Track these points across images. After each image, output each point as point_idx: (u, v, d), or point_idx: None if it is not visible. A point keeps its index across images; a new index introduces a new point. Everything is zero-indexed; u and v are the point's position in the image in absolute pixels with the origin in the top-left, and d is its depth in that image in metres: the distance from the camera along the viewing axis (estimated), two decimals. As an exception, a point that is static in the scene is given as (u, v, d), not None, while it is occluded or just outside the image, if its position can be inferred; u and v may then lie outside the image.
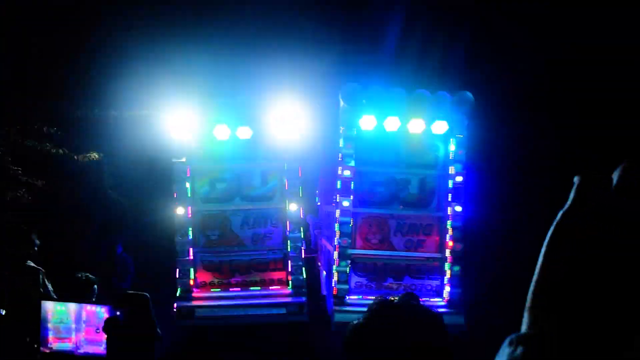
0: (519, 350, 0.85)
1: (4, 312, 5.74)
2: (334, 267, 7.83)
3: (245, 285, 8.05)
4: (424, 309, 1.64)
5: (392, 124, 7.75)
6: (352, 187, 7.85)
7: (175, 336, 8.20)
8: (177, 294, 7.86)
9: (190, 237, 7.94)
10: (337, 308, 7.70)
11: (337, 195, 7.83)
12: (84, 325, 5.11)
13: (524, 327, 0.92)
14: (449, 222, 7.92)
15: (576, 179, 0.94)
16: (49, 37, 9.80)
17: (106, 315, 4.97)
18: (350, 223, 7.85)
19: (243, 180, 8.10)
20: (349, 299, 7.83)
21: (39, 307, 5.16)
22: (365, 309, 1.66)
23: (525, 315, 0.93)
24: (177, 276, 7.91)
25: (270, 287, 8.05)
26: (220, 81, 9.27)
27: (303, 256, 8.07)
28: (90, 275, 5.77)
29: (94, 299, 5.70)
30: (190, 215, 7.95)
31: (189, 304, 7.77)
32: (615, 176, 0.90)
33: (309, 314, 7.82)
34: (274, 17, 11.95)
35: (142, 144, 9.57)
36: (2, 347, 5.56)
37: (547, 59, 10.97)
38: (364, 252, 8.00)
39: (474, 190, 8.50)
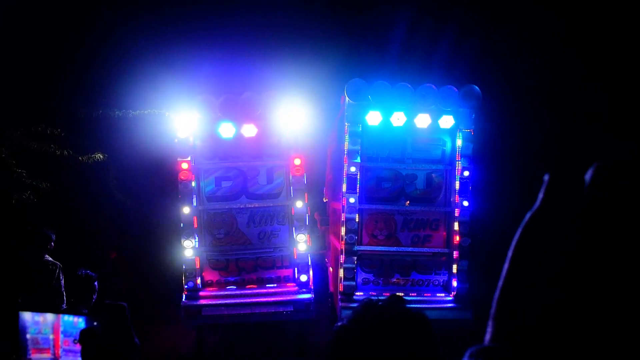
0: None
1: None
2: (340, 263, 7.79)
3: (251, 284, 8.03)
4: (409, 309, 1.62)
5: (398, 119, 7.70)
6: (358, 183, 7.81)
7: (182, 335, 8.20)
8: (184, 293, 7.84)
9: (196, 236, 7.92)
10: (344, 305, 7.66)
11: (343, 191, 7.79)
12: (62, 336, 5.06)
13: (487, 338, 0.87)
14: (456, 217, 7.86)
15: (546, 178, 0.88)
16: (51, 38, 9.80)
17: (84, 326, 4.92)
18: (356, 219, 7.81)
19: (249, 178, 8.07)
20: (356, 295, 7.79)
21: (17, 318, 5.11)
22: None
23: (489, 324, 0.88)
24: (184, 275, 7.89)
25: (277, 285, 8.02)
26: (225, 79, 9.24)
27: (310, 253, 8.04)
28: (90, 272, 5.75)
29: (95, 296, 5.68)
30: (195, 215, 7.92)
31: (195, 303, 7.74)
32: (588, 176, 0.83)
33: (316, 312, 7.79)
34: (278, 14, 11.91)
35: (146, 143, 9.56)
36: None
37: (554, 52, 10.89)
38: (371, 248, 7.96)
39: (481, 185, 8.44)
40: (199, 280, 7.91)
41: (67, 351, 5.05)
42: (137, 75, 9.51)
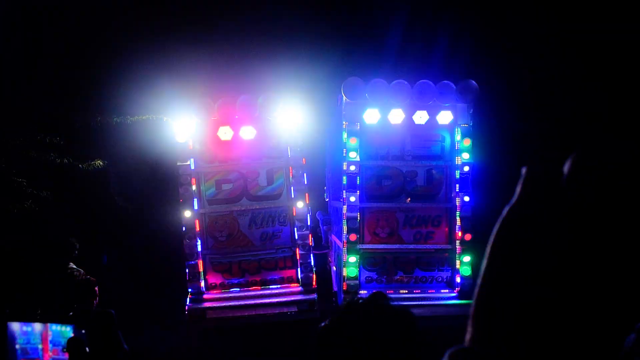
0: None
1: None
2: (343, 262, 7.80)
3: (255, 285, 8.04)
4: (391, 305, 1.62)
5: (396, 116, 7.72)
6: (358, 182, 7.81)
7: (187, 339, 8.20)
8: (188, 297, 7.85)
9: (198, 239, 7.93)
10: (348, 304, 7.65)
11: (344, 190, 7.80)
12: (51, 345, 5.05)
13: (467, 338, 0.86)
14: (457, 213, 7.87)
15: (523, 171, 0.86)
16: (49, 46, 9.81)
17: (71, 335, 4.91)
18: (357, 218, 7.81)
19: (249, 180, 8.09)
20: (359, 294, 7.80)
21: (4, 329, 5.09)
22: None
23: (469, 324, 0.87)
24: (187, 279, 7.90)
25: (281, 286, 8.04)
26: (222, 82, 9.24)
27: (312, 253, 8.05)
28: (90, 278, 5.78)
29: (96, 301, 5.70)
30: (197, 218, 7.93)
31: (200, 306, 7.75)
32: (565, 168, 0.82)
33: (320, 311, 7.79)
34: (273, 16, 11.91)
35: (146, 148, 9.56)
36: None
37: (552, 47, 10.89)
38: (373, 246, 7.97)
39: (482, 180, 8.44)
40: (202, 283, 7.93)
41: None
42: (134, 81, 9.50)
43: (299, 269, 7.99)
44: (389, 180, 8.02)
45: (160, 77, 9.19)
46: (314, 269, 7.99)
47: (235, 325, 7.80)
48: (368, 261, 8.00)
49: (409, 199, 8.03)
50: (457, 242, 7.88)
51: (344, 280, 7.80)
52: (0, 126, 8.58)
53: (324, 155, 10.76)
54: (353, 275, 7.78)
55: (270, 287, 8.02)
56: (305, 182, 8.00)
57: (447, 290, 7.96)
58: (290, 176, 7.97)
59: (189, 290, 7.86)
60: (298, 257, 7.97)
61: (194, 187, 7.92)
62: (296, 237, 7.95)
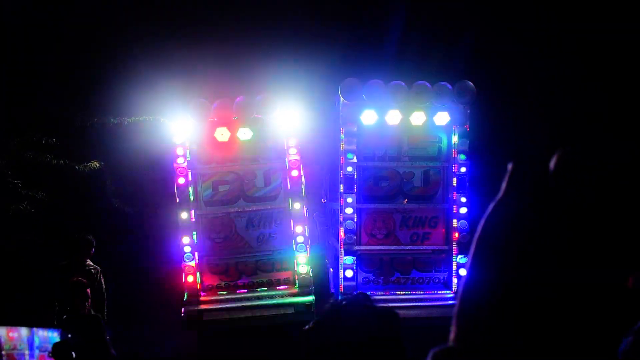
0: None
1: None
2: (340, 263, 7.78)
3: (252, 287, 8.01)
4: (375, 306, 1.62)
5: (393, 117, 7.71)
6: (355, 183, 7.80)
7: (184, 341, 8.18)
8: (184, 299, 7.82)
9: (195, 241, 7.90)
10: (345, 305, 7.64)
11: (341, 191, 7.78)
12: (37, 351, 5.01)
13: (451, 337, 0.85)
14: (454, 214, 7.86)
15: (509, 167, 0.85)
16: (44, 47, 9.78)
17: (57, 340, 4.87)
18: (354, 219, 7.80)
19: (246, 181, 8.07)
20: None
21: None
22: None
23: (452, 323, 0.86)
24: (184, 281, 7.88)
25: (277, 288, 8.01)
26: (219, 83, 9.22)
27: (309, 255, 8.03)
28: (82, 279, 5.76)
29: (88, 303, 5.66)
30: (194, 219, 7.91)
31: (196, 308, 7.73)
32: (551, 164, 0.81)
33: (317, 313, 7.77)
34: (270, 17, 11.90)
35: (143, 150, 9.54)
36: None
37: (551, 48, 10.90)
38: (370, 247, 7.96)
39: (478, 181, 8.44)
40: (199, 285, 7.89)
41: None
42: (131, 82, 9.48)
43: (295, 271, 7.97)
44: (386, 181, 8.02)
45: (157, 78, 9.17)
46: (311, 271, 7.97)
47: (231, 327, 7.78)
48: (365, 262, 7.99)
49: (406, 200, 8.03)
50: (454, 243, 7.88)
51: (341, 282, 7.79)
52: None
53: (322, 156, 10.75)
54: (350, 276, 7.77)
55: (267, 288, 7.99)
56: (303, 183, 7.98)
57: (443, 292, 7.96)
58: (287, 177, 7.95)
59: (185, 292, 7.84)
60: (295, 259, 7.94)
61: (190, 189, 7.89)
62: (293, 239, 7.93)
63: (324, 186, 10.79)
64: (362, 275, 7.98)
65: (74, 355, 4.60)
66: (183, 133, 7.79)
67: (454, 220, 7.87)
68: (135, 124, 9.64)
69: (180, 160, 7.85)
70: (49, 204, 8.80)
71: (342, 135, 7.77)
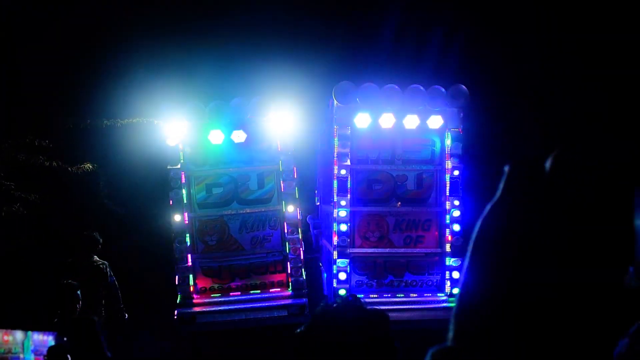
0: None
1: None
2: (334, 266, 7.79)
3: (245, 289, 8.01)
4: (364, 308, 1.63)
5: (387, 120, 7.72)
6: (348, 186, 7.81)
7: (177, 343, 8.16)
8: (178, 301, 7.82)
9: (189, 243, 7.89)
10: (339, 308, 7.64)
11: (335, 194, 7.79)
12: (32, 355, 4.98)
13: (450, 336, 0.85)
14: (447, 217, 7.88)
15: (506, 168, 0.86)
16: (38, 49, 9.76)
17: (52, 343, 4.85)
18: (348, 222, 7.81)
19: (239, 184, 8.06)
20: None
21: None
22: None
23: (450, 323, 0.86)
24: (177, 283, 7.87)
25: (271, 290, 8.03)
26: (213, 85, 9.22)
27: (302, 257, 8.03)
28: (72, 281, 5.74)
29: (79, 305, 5.63)
30: (187, 222, 7.90)
31: (189, 310, 7.72)
32: (547, 164, 0.82)
33: (310, 315, 7.76)
34: (265, 20, 11.91)
35: (136, 152, 9.53)
36: None
37: (542, 50, 10.94)
38: (363, 250, 7.97)
39: (472, 184, 8.46)
40: (192, 288, 7.88)
41: None
42: (125, 84, 9.48)
43: (289, 273, 7.97)
44: (380, 184, 8.02)
45: (151, 80, 9.18)
46: (305, 273, 7.98)
47: (225, 329, 7.77)
48: (358, 265, 8.00)
49: (399, 203, 8.04)
50: (448, 245, 7.90)
51: (334, 284, 7.79)
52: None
53: (315, 159, 10.75)
54: (343, 279, 7.77)
55: (260, 291, 8.00)
56: (296, 186, 7.98)
57: (437, 294, 7.98)
58: (281, 180, 7.96)
59: (179, 294, 7.83)
60: (288, 261, 7.95)
61: (184, 191, 7.88)
62: (286, 241, 7.93)
63: (318, 189, 10.80)
64: (355, 278, 7.99)
65: (70, 359, 4.58)
66: (177, 135, 7.77)
67: (447, 223, 7.89)
68: (129, 126, 9.64)
69: (174, 162, 7.83)
70: (41, 205, 8.76)
71: (336, 138, 7.77)
